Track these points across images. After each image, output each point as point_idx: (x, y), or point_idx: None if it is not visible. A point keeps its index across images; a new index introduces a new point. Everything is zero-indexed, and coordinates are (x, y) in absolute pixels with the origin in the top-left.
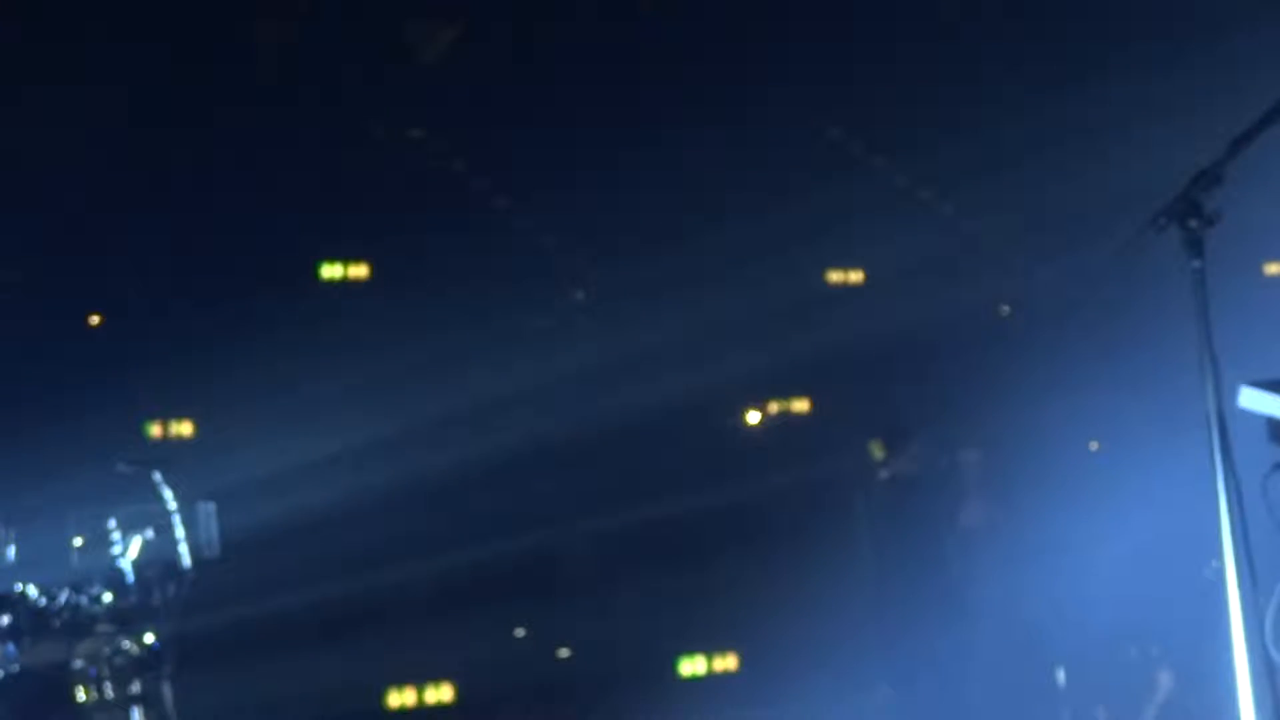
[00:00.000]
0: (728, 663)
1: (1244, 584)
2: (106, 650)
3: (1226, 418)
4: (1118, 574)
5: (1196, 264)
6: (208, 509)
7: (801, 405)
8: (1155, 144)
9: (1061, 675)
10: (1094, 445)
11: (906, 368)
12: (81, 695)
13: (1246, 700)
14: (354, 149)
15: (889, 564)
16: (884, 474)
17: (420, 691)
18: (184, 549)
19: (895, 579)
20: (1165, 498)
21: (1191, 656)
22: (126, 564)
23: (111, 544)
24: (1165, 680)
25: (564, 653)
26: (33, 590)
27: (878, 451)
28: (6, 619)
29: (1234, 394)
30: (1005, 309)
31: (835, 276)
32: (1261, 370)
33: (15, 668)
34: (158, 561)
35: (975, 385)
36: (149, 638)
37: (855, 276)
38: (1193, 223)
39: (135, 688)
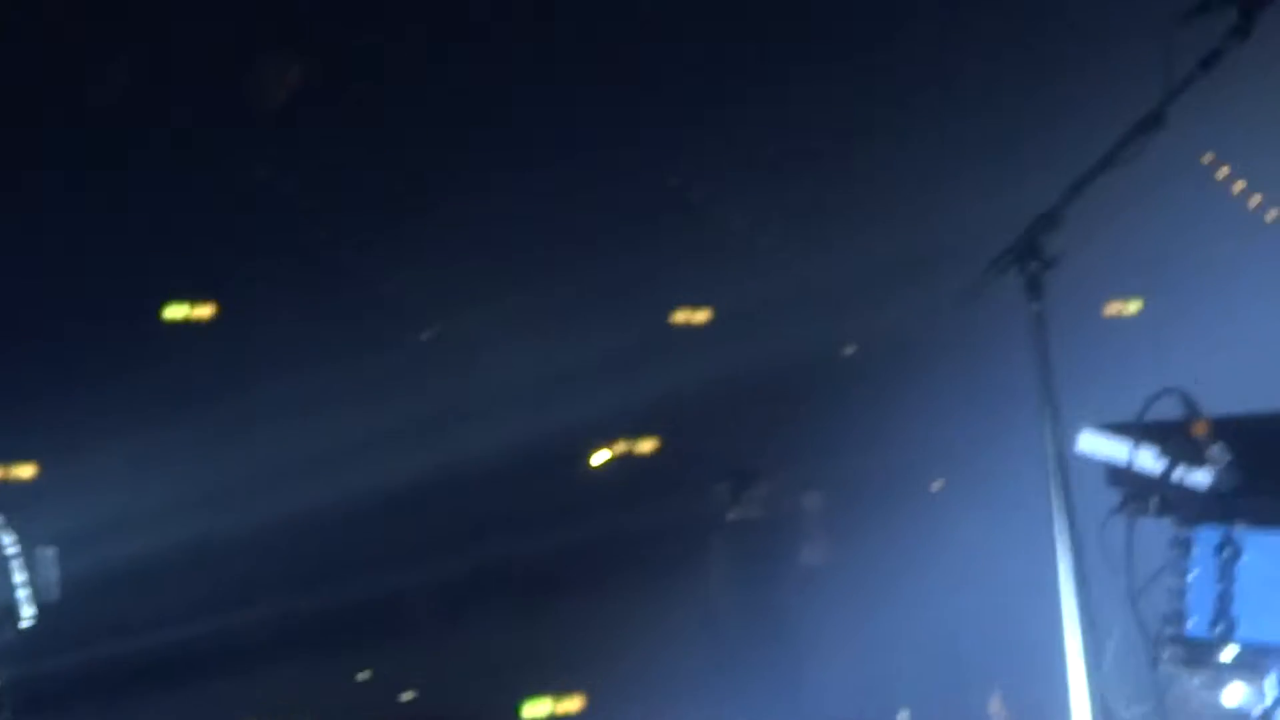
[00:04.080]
0: (573, 704)
1: (1083, 627)
2: None
3: (1067, 459)
4: (961, 614)
5: (1036, 306)
6: (47, 554)
7: (649, 445)
8: (996, 187)
9: (906, 716)
10: (936, 485)
11: (752, 408)
12: None
13: None
14: (200, 189)
15: (732, 604)
16: (730, 516)
17: None
18: (24, 594)
19: (737, 619)
20: (1007, 537)
21: (1033, 697)
22: None
23: None
24: (999, 715)
25: (408, 695)
26: None
27: (725, 495)
28: None
29: (1074, 435)
30: (849, 349)
31: (681, 316)
32: (1103, 411)
33: None
34: None
35: (820, 425)
36: None
37: (700, 316)
38: (1033, 265)
39: None
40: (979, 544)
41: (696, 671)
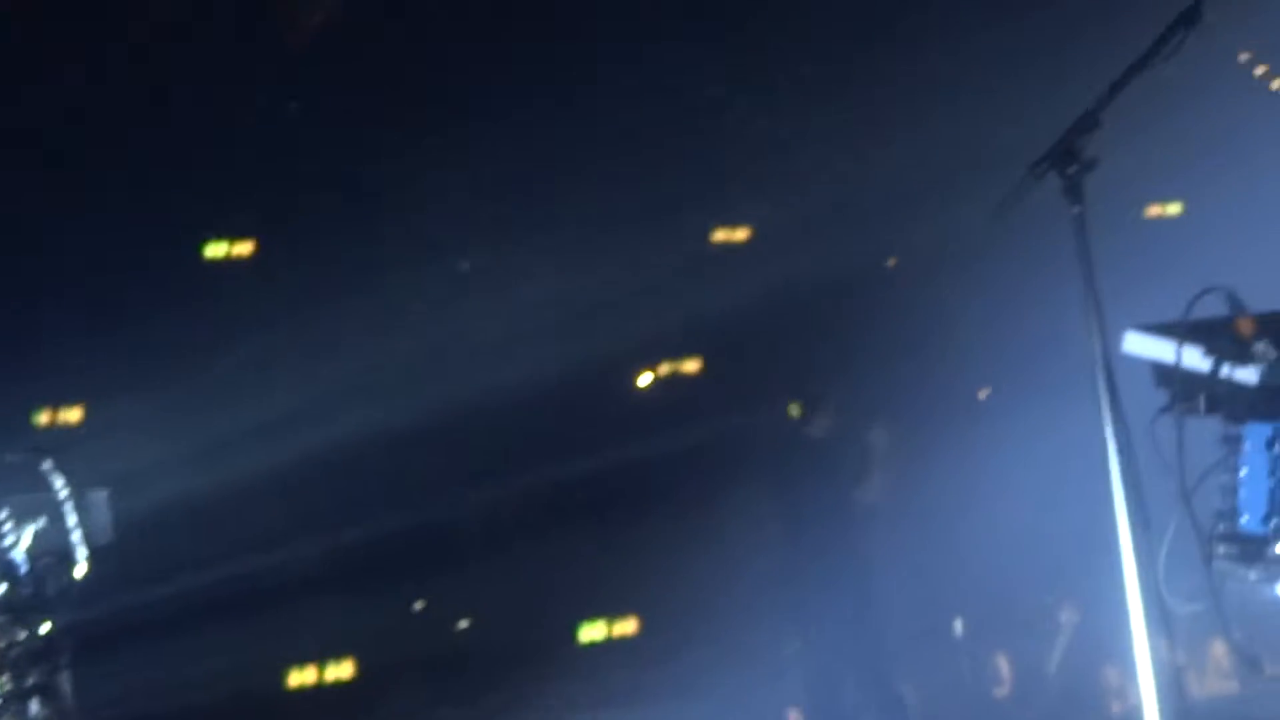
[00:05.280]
0: (628, 627)
1: (1136, 527)
2: (2, 642)
3: (1114, 361)
4: (1014, 522)
5: (1077, 209)
6: (99, 496)
7: (693, 366)
8: (1035, 93)
9: (959, 625)
10: (983, 393)
11: (795, 324)
12: None
13: (1142, 644)
14: (234, 125)
15: (794, 522)
16: (797, 435)
17: (321, 669)
18: (77, 537)
19: (799, 538)
20: (1056, 442)
21: (1091, 599)
22: (19, 554)
23: (3, 535)
24: (1069, 619)
25: (463, 624)
26: None
27: (795, 412)
28: None
29: (1120, 337)
30: (892, 261)
31: (721, 235)
32: (1146, 313)
33: None
34: (51, 551)
35: (869, 340)
36: (45, 628)
37: (741, 234)
38: (1071, 168)
39: (32, 679)
40: (1028, 450)
41: (751, 591)
